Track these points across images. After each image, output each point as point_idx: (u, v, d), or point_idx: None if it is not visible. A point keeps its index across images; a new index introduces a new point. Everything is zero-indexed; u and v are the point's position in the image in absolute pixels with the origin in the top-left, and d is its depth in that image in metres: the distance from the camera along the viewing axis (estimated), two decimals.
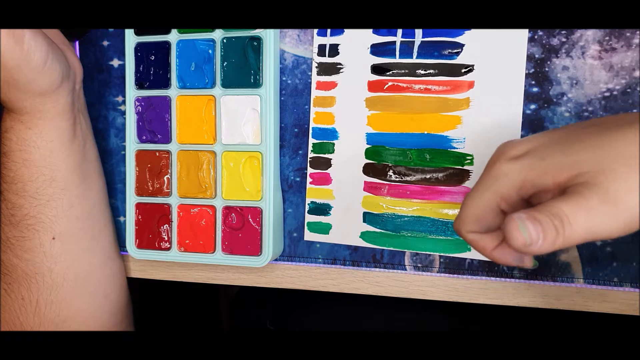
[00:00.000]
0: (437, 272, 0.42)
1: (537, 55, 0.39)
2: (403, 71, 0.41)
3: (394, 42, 0.41)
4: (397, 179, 0.42)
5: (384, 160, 0.42)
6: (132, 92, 0.45)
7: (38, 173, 0.41)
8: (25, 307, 0.43)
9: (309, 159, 0.44)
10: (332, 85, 0.43)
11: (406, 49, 0.41)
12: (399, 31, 0.41)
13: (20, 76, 0.37)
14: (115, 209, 0.48)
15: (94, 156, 0.45)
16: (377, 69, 0.42)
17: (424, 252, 0.42)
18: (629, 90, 0.38)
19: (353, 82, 0.42)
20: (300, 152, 0.44)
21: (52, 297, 0.43)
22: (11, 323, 0.43)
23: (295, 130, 0.44)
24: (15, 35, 0.36)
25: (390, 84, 0.41)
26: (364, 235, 0.43)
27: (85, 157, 0.43)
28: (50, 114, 0.40)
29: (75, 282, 0.43)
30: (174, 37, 0.44)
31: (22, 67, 0.37)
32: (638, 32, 0.37)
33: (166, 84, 0.44)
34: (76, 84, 0.42)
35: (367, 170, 0.42)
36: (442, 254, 0.42)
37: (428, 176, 0.41)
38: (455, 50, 0.40)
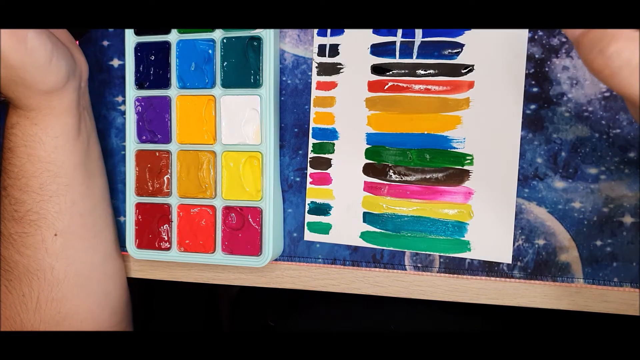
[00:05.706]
0: (437, 272, 0.42)
1: (537, 55, 0.39)
2: (403, 71, 0.41)
3: (394, 42, 0.41)
4: (397, 179, 0.42)
5: (384, 160, 0.42)
6: (132, 92, 0.45)
7: (42, 169, 0.41)
8: (26, 304, 0.43)
9: (309, 159, 0.44)
10: (332, 85, 0.43)
11: (406, 49, 0.41)
12: (399, 31, 0.41)
13: (26, 75, 0.38)
14: (115, 209, 0.48)
15: (97, 154, 0.45)
16: (377, 69, 0.41)
17: (424, 252, 0.42)
18: None
19: (353, 82, 0.42)
20: (300, 152, 0.44)
21: (53, 294, 0.43)
22: (12, 320, 0.43)
23: (295, 130, 0.44)
24: (17, 35, 0.36)
25: (390, 84, 0.41)
26: (364, 235, 0.43)
27: (89, 154, 0.44)
28: (57, 110, 0.40)
29: (77, 279, 0.43)
30: (174, 37, 0.44)
31: (27, 66, 0.37)
32: (638, 32, 0.37)
33: (166, 84, 0.44)
34: (82, 82, 0.42)
35: (367, 170, 0.42)
36: (442, 254, 0.42)
37: (428, 176, 0.41)
38: (455, 50, 0.40)
